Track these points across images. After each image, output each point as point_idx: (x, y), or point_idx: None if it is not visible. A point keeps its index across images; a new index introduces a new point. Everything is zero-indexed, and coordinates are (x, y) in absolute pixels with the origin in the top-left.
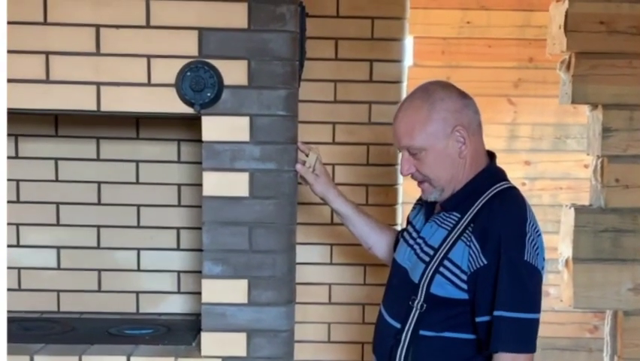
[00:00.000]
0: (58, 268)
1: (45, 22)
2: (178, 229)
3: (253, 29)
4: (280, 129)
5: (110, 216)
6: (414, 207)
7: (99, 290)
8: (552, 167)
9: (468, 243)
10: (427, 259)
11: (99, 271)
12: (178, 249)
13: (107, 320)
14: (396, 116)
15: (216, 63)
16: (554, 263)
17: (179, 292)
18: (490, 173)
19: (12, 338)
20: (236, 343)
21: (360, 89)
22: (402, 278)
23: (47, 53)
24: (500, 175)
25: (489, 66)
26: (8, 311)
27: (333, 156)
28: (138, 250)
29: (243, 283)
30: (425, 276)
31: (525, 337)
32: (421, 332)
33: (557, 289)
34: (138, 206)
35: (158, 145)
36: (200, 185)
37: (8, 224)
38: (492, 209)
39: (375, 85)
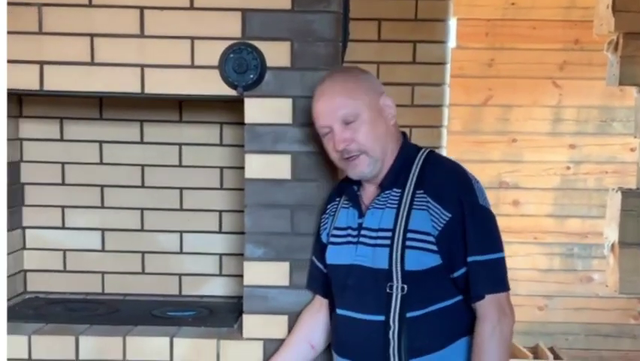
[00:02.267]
0: (103, 250)
1: (90, 5)
2: (220, 211)
3: (296, 10)
4: None
5: (153, 198)
6: (325, 216)
7: (143, 272)
8: (597, 150)
9: (424, 207)
10: (387, 242)
11: (143, 253)
12: (220, 232)
13: (150, 302)
14: (322, 93)
15: (259, 45)
16: (599, 248)
17: (220, 274)
18: (409, 144)
19: (58, 318)
20: (278, 325)
21: (403, 71)
22: (360, 275)
23: (92, 35)
24: (415, 144)
25: (534, 48)
26: (55, 292)
27: None
28: (181, 232)
29: (285, 266)
30: (395, 258)
31: (502, 276)
32: (409, 315)
33: (601, 274)
34: (181, 189)
35: (200, 128)
36: (243, 168)
37: (54, 206)
38: (434, 169)
39: (419, 66)
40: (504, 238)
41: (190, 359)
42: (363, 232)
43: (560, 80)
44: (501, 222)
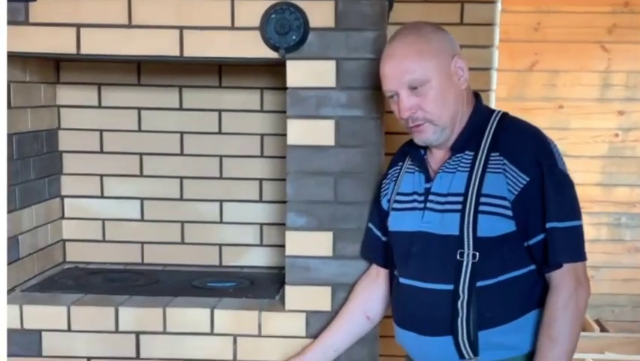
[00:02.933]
0: (142, 219)
1: None
2: (261, 180)
3: None
4: (368, 74)
5: (192, 167)
6: (386, 181)
7: (182, 242)
8: None
9: (500, 170)
10: (457, 207)
11: (182, 223)
12: (261, 201)
13: (190, 273)
14: (390, 55)
15: (302, 4)
16: None
17: (261, 244)
18: (482, 106)
19: (97, 289)
20: (321, 297)
21: (450, 32)
22: (426, 242)
23: None
24: (488, 106)
25: (582, 11)
26: (94, 262)
27: None
28: (221, 201)
29: (328, 236)
30: (467, 223)
31: (580, 244)
32: (479, 284)
33: None
34: (221, 157)
35: (240, 93)
36: (284, 134)
37: (92, 175)
38: (510, 131)
39: (467, 27)
40: None
41: (231, 331)
42: (430, 197)
43: (609, 44)
44: None
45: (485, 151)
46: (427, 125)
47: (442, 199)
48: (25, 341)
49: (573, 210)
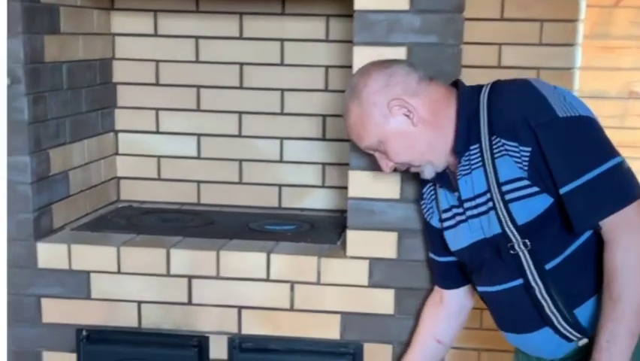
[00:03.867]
0: (199, 157)
1: None
2: (324, 116)
3: None
4: None
5: (252, 101)
6: (423, 202)
7: (240, 182)
8: None
9: (504, 152)
10: (489, 205)
11: (240, 161)
12: (324, 138)
13: (248, 214)
14: (345, 124)
15: None
16: None
17: (323, 185)
18: (467, 90)
19: (150, 229)
20: (386, 243)
21: None
22: (481, 250)
23: None
24: (476, 86)
25: None
26: (149, 201)
27: (500, 33)
28: (281, 139)
29: (395, 177)
30: (503, 218)
31: (615, 190)
32: (547, 267)
33: None
34: (282, 90)
35: (304, 21)
36: (350, 67)
37: (147, 108)
38: (496, 105)
39: None
40: (628, 153)
41: (288, 277)
42: (465, 205)
43: None
44: (627, 137)
45: (486, 138)
46: (413, 168)
47: (473, 203)
48: (72, 282)
49: (591, 156)
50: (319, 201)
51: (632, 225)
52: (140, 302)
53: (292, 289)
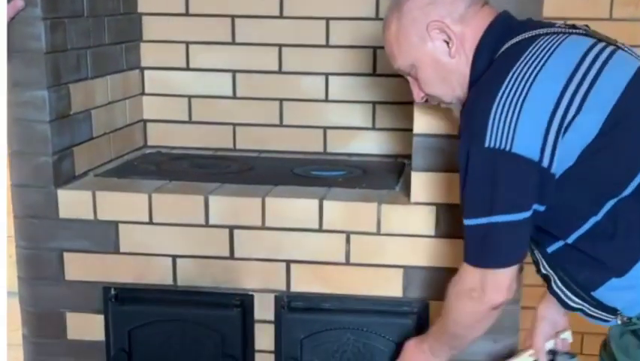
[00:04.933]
0: (234, 96)
1: None
2: (374, 48)
3: None
4: None
5: (293, 32)
6: None
7: (280, 124)
8: None
9: None
10: None
11: (280, 101)
12: (374, 74)
13: (289, 160)
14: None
15: None
16: None
17: (373, 128)
18: (488, 44)
19: (183, 175)
20: (456, 187)
21: None
22: None
23: None
24: (507, 33)
25: None
26: (178, 147)
27: None
28: (326, 75)
29: None
30: None
31: (470, 248)
32: (549, 250)
33: None
34: (327, 19)
35: None
36: None
37: (176, 42)
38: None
39: None
40: None
41: (343, 227)
42: None
43: None
44: None
45: None
46: (445, 105)
47: None
48: (98, 234)
49: (472, 204)
50: (369, 145)
51: (483, 285)
52: (175, 257)
53: (348, 240)
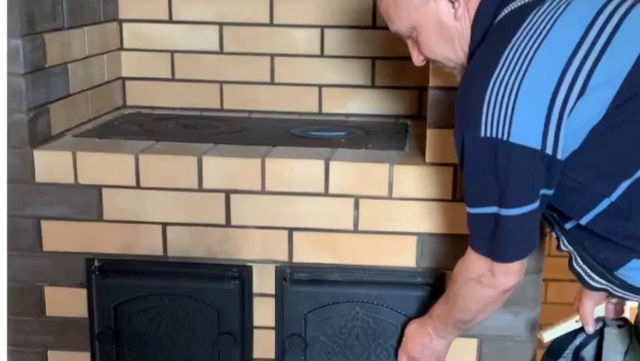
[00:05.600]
0: (221, 51)
1: None
2: None
3: None
4: None
5: None
6: None
7: (272, 82)
8: None
9: None
10: None
11: (272, 56)
12: (374, 27)
13: (283, 121)
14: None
15: None
16: None
17: (372, 86)
18: (488, 7)
19: (171, 136)
20: None
21: None
22: None
23: None
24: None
25: None
26: (161, 107)
27: None
28: (322, 27)
29: None
30: None
31: (477, 237)
32: (567, 226)
33: None
34: None
35: None
36: None
37: None
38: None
39: None
40: None
41: (352, 190)
42: None
43: None
44: None
45: None
46: (449, 69)
47: None
48: (79, 199)
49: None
50: (368, 105)
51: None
52: (165, 224)
53: (356, 205)
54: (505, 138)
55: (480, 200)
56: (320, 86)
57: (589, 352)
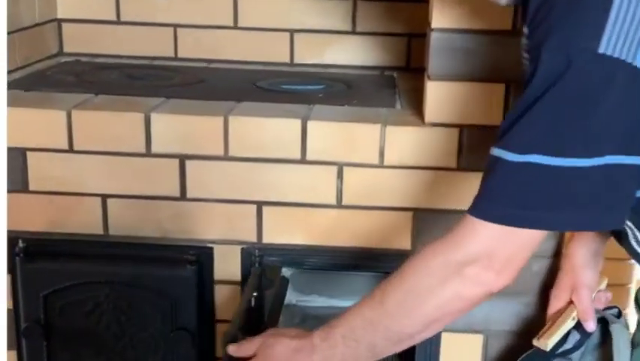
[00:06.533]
0: None
1: None
2: None
3: None
4: None
5: None
6: None
7: (234, 26)
8: None
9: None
10: None
11: None
12: None
13: (248, 72)
14: None
15: None
16: None
17: (353, 32)
18: None
19: (114, 88)
20: (491, 101)
21: None
22: None
23: None
24: None
25: None
26: (104, 55)
27: None
28: None
29: None
30: None
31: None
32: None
33: None
34: None
35: None
36: None
37: None
38: None
39: None
40: None
41: (334, 156)
42: None
43: None
44: None
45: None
46: None
47: None
48: None
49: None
50: (348, 54)
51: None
52: (105, 197)
53: (340, 174)
54: (629, 59)
55: (559, 144)
56: (292, 32)
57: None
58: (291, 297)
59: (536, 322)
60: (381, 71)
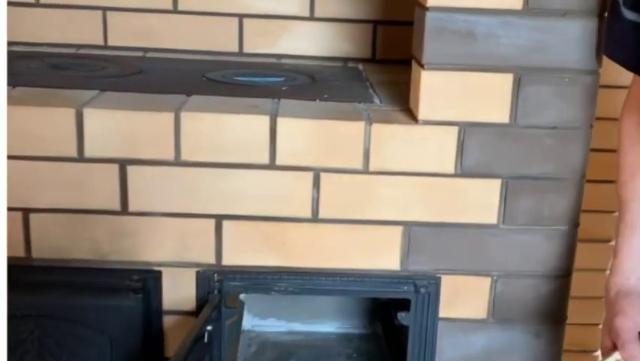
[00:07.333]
0: None
1: None
2: None
3: None
4: None
5: None
6: None
7: (174, 10)
8: None
9: None
10: None
11: None
12: None
13: (191, 62)
14: None
15: None
16: None
17: (312, 18)
18: None
19: (36, 80)
20: (496, 96)
21: None
22: None
23: None
24: None
25: None
26: (23, 43)
27: None
28: None
29: None
30: None
31: None
32: None
33: None
34: None
35: None
36: None
37: None
38: None
39: None
40: None
41: (309, 160)
42: None
43: None
44: None
45: None
46: None
47: None
48: None
49: None
50: (305, 42)
51: None
52: (27, 210)
53: (316, 182)
54: None
55: None
56: (241, 17)
57: None
58: (246, 322)
59: (546, 351)
60: (343, 63)
